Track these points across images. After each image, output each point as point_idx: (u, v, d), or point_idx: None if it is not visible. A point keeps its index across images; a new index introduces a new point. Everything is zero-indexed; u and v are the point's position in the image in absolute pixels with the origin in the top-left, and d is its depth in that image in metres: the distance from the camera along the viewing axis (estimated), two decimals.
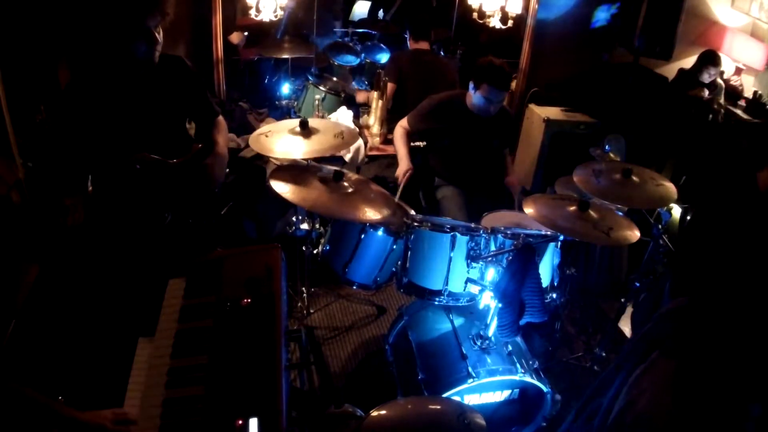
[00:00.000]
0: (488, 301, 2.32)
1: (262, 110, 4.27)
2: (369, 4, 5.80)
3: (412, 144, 3.43)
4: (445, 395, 2.17)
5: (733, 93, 4.56)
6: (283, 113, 4.17)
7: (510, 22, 4.21)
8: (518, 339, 2.45)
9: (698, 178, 3.88)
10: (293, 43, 4.37)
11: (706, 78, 4.33)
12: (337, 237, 2.60)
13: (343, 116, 3.79)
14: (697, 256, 2.06)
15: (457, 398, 2.20)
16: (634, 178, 2.60)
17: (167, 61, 2.20)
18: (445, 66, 4.25)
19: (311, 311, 3.23)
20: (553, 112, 4.40)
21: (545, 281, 2.43)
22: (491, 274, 2.32)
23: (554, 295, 2.54)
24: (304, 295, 3.20)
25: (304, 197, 2.30)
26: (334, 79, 4.28)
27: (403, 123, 3.43)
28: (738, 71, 4.68)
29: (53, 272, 2.49)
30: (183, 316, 1.71)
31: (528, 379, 2.25)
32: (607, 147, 3.49)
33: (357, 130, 3.01)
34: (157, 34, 2.03)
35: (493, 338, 2.35)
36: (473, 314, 2.50)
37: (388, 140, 3.92)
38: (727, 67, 4.63)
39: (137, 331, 1.73)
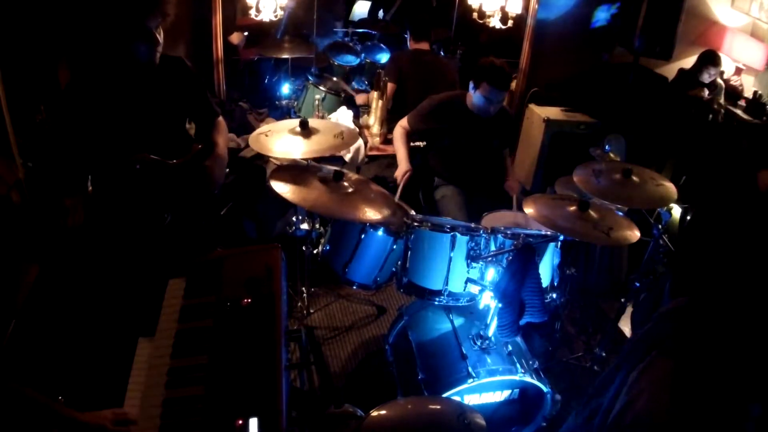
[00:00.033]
0: (488, 301, 2.32)
1: (262, 110, 4.27)
2: (369, 4, 5.80)
3: (412, 144, 3.43)
4: (445, 395, 2.17)
5: (733, 93, 4.56)
6: (283, 113, 4.17)
7: (510, 22, 4.21)
8: (518, 339, 2.45)
9: (698, 178, 3.88)
10: (293, 43, 4.37)
11: (706, 78, 4.34)
12: (337, 237, 2.60)
13: (343, 116, 3.79)
14: (697, 256, 2.06)
15: (457, 398, 2.19)
16: (634, 178, 2.60)
17: (167, 61, 2.20)
18: (445, 66, 4.24)
19: (311, 311, 3.23)
20: (553, 112, 4.40)
21: (545, 281, 2.43)
22: (491, 274, 2.32)
23: (554, 295, 2.54)
24: (304, 295, 3.20)
25: (304, 197, 2.30)
26: (334, 79, 4.28)
27: (403, 123, 3.43)
28: (738, 71, 4.68)
29: (53, 272, 2.49)
30: (183, 316, 1.71)
31: (528, 379, 2.25)
32: (607, 147, 3.49)
33: (357, 130, 3.01)
34: (157, 35, 2.03)
35: (493, 338, 2.35)
36: (473, 314, 2.50)
37: (388, 140, 3.92)
38: (727, 67, 4.64)
39: (137, 331, 1.73)
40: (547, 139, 4.33)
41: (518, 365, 2.28)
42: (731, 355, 1.30)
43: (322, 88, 3.99)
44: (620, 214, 2.51)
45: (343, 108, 3.89)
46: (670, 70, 4.69)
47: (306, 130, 2.53)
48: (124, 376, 1.61)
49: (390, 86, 3.99)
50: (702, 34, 4.79)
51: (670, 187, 2.63)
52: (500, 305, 2.23)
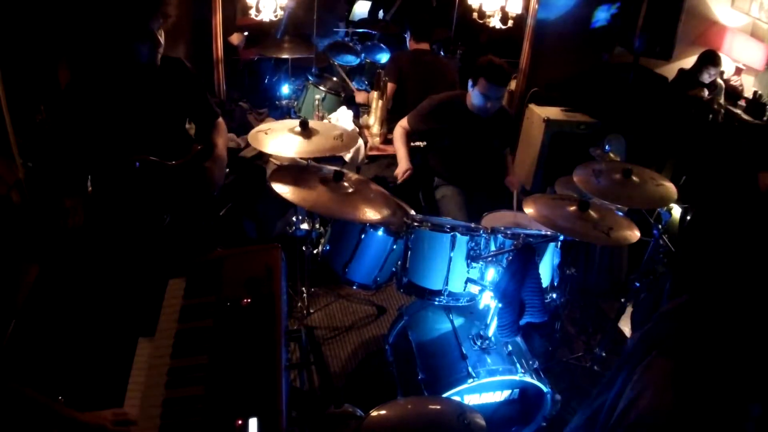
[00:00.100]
0: (488, 301, 2.32)
1: (262, 110, 4.27)
2: (369, 4, 5.80)
3: (412, 144, 3.43)
4: (445, 395, 2.17)
5: (733, 93, 4.56)
6: (283, 113, 4.17)
7: (510, 22, 4.21)
8: (518, 339, 2.45)
9: (698, 178, 3.88)
10: (293, 43, 4.37)
11: (706, 78, 4.34)
12: (337, 237, 2.60)
13: (343, 116, 3.79)
14: (697, 256, 2.06)
15: (457, 398, 2.19)
16: (634, 178, 2.60)
17: (167, 62, 2.20)
18: (445, 66, 4.25)
19: (311, 311, 3.23)
20: (553, 112, 4.40)
21: (545, 281, 2.43)
22: (491, 274, 2.32)
23: (554, 295, 2.54)
24: (304, 295, 3.20)
25: (304, 197, 2.30)
26: (334, 79, 4.28)
27: (403, 123, 3.43)
28: (738, 71, 4.68)
29: (53, 272, 2.49)
30: (183, 316, 1.71)
31: (528, 379, 2.25)
32: (607, 147, 3.49)
33: (357, 130, 3.01)
34: (159, 36, 2.03)
35: (493, 338, 2.35)
36: (473, 314, 2.50)
37: (388, 140, 3.92)
38: (727, 67, 4.63)
39: (137, 331, 1.73)
40: (547, 139, 4.33)
41: (518, 365, 2.28)
42: (731, 355, 1.30)
43: (322, 88, 3.99)
44: (620, 214, 2.51)
45: (343, 108, 3.89)
46: (670, 70, 4.69)
47: (306, 131, 2.54)
48: (124, 376, 1.61)
49: (390, 86, 3.99)
50: (702, 34, 4.79)
51: (670, 187, 2.63)
52: (500, 305, 2.23)
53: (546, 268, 2.45)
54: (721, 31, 4.73)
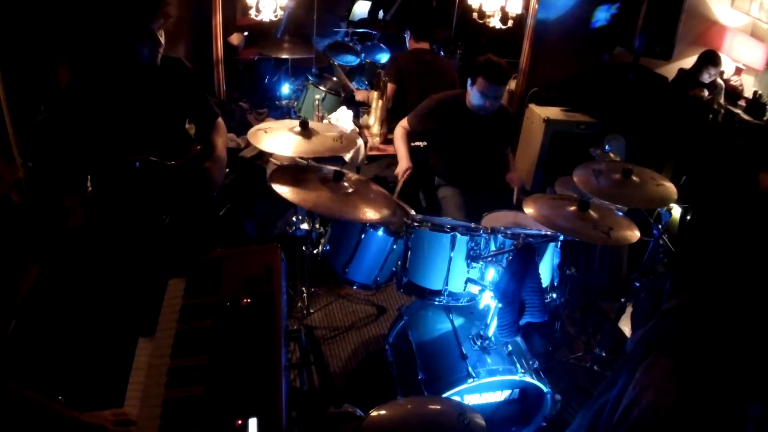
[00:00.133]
0: (488, 301, 2.32)
1: (262, 110, 4.27)
2: (369, 4, 5.80)
3: (412, 144, 3.43)
4: (445, 395, 2.17)
5: (733, 93, 4.56)
6: (283, 113, 4.17)
7: (510, 22, 4.21)
8: (518, 339, 2.45)
9: (698, 178, 3.88)
10: (293, 43, 4.37)
11: (706, 78, 4.34)
12: (337, 237, 2.60)
13: (343, 116, 3.79)
14: (697, 256, 2.06)
15: (457, 398, 2.20)
16: (634, 178, 2.60)
17: (167, 62, 2.20)
18: (445, 66, 4.25)
19: (311, 311, 3.23)
20: (553, 112, 4.40)
21: (545, 281, 2.43)
22: (491, 274, 2.32)
23: (554, 295, 2.54)
24: (304, 295, 3.20)
25: (304, 197, 2.30)
26: (334, 79, 4.28)
27: (403, 123, 3.43)
28: (738, 71, 4.68)
29: (53, 272, 2.49)
30: (183, 316, 1.71)
31: (528, 379, 2.25)
32: (607, 147, 3.49)
33: (357, 131, 3.01)
34: (159, 36, 2.03)
35: (493, 338, 2.35)
36: (473, 314, 2.50)
37: (388, 140, 3.92)
38: (727, 67, 4.63)
39: (137, 331, 1.73)
40: (547, 139, 4.33)
41: (518, 365, 2.28)
42: (731, 355, 1.30)
43: (322, 88, 3.99)
44: (620, 214, 2.51)
45: (343, 108, 3.89)
46: (670, 70, 4.69)
47: (306, 131, 2.54)
48: (124, 376, 1.61)
49: (390, 87, 3.99)
50: (702, 34, 4.79)
51: (670, 187, 2.63)
52: (500, 305, 2.23)
53: (546, 268, 2.45)
54: (721, 31, 4.73)
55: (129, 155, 2.09)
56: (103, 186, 2.32)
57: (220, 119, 2.48)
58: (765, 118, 4.19)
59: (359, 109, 4.23)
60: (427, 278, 2.40)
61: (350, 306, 3.33)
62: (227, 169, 2.49)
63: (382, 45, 4.96)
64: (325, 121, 3.58)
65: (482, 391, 2.30)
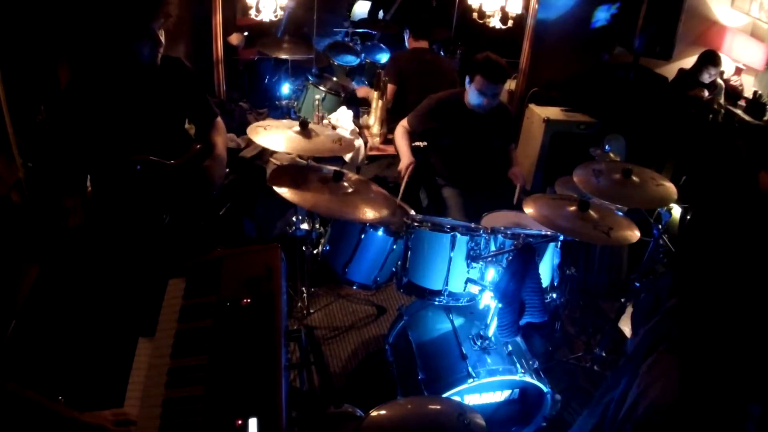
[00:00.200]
0: (488, 301, 2.32)
1: (262, 110, 4.27)
2: (369, 4, 5.80)
3: (413, 144, 3.42)
4: (445, 395, 2.17)
5: (733, 93, 4.56)
6: (283, 113, 4.17)
7: (510, 22, 4.21)
8: (518, 339, 2.45)
9: (698, 178, 3.88)
10: (293, 43, 4.37)
11: (706, 78, 4.34)
12: (337, 237, 2.60)
13: (343, 116, 3.79)
14: (697, 256, 2.06)
15: (457, 398, 2.19)
16: (634, 178, 2.60)
17: (167, 62, 2.20)
18: (445, 66, 4.25)
19: (311, 311, 3.23)
20: (553, 112, 4.40)
21: (545, 281, 2.43)
22: (491, 274, 2.32)
23: (554, 295, 2.54)
24: (304, 295, 3.20)
25: (304, 197, 2.30)
26: (334, 79, 4.28)
27: (403, 123, 3.43)
28: (738, 71, 4.68)
29: (53, 272, 2.49)
30: (183, 316, 1.71)
31: (528, 379, 2.25)
32: (607, 147, 3.49)
33: (357, 131, 3.01)
34: (159, 36, 2.03)
35: (493, 338, 2.35)
36: (473, 314, 2.50)
37: (388, 140, 3.91)
38: (727, 67, 4.64)
39: (137, 331, 1.73)
40: (547, 139, 4.33)
41: (518, 365, 2.28)
42: (731, 355, 1.31)
43: (322, 88, 3.99)
44: (620, 214, 2.51)
45: (343, 108, 3.89)
46: (670, 70, 4.69)
47: (305, 131, 2.54)
48: (124, 376, 1.61)
49: (390, 87, 3.98)
50: (702, 34, 4.79)
51: (670, 187, 2.63)
52: (500, 305, 2.23)
53: (546, 268, 2.45)
54: (721, 31, 4.73)
55: (129, 155, 2.09)
56: (103, 186, 2.31)
57: (219, 119, 2.47)
58: (765, 118, 4.19)
59: (359, 109, 4.23)
60: (427, 278, 2.40)
61: (350, 306, 3.33)
62: (227, 169, 2.49)
63: (382, 45, 4.96)
64: (325, 121, 3.58)
65: (482, 391, 2.30)
